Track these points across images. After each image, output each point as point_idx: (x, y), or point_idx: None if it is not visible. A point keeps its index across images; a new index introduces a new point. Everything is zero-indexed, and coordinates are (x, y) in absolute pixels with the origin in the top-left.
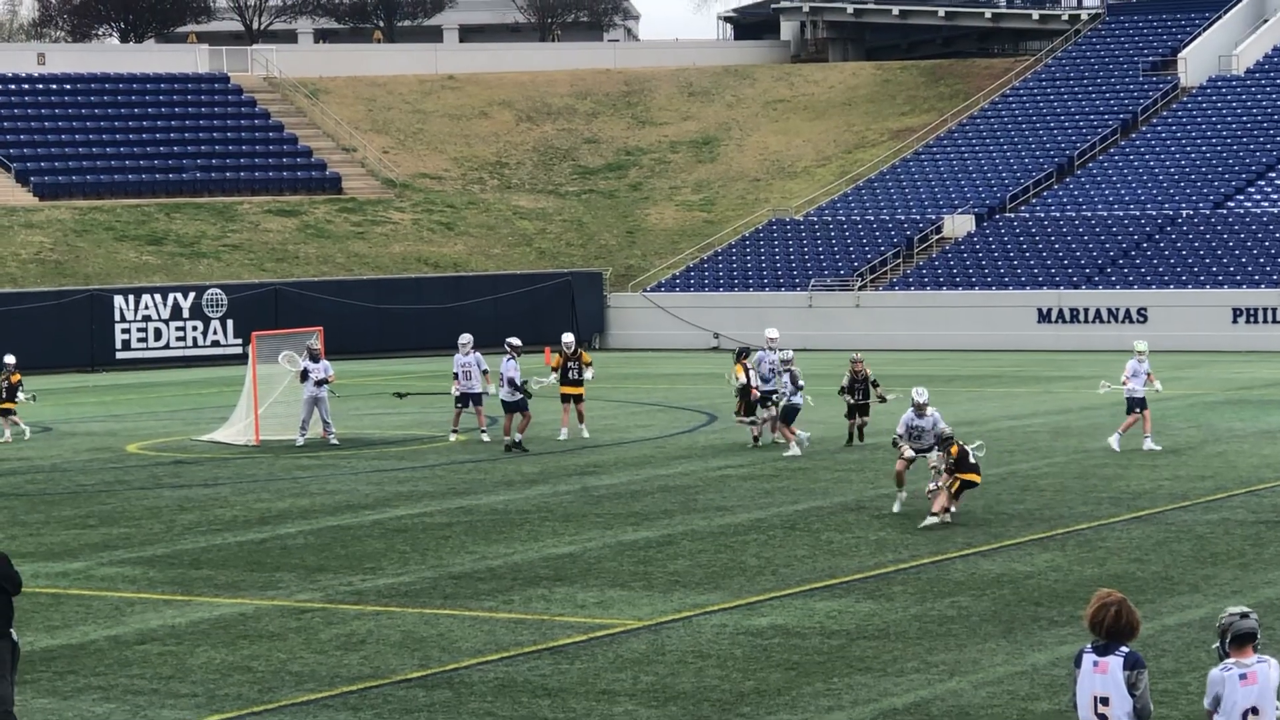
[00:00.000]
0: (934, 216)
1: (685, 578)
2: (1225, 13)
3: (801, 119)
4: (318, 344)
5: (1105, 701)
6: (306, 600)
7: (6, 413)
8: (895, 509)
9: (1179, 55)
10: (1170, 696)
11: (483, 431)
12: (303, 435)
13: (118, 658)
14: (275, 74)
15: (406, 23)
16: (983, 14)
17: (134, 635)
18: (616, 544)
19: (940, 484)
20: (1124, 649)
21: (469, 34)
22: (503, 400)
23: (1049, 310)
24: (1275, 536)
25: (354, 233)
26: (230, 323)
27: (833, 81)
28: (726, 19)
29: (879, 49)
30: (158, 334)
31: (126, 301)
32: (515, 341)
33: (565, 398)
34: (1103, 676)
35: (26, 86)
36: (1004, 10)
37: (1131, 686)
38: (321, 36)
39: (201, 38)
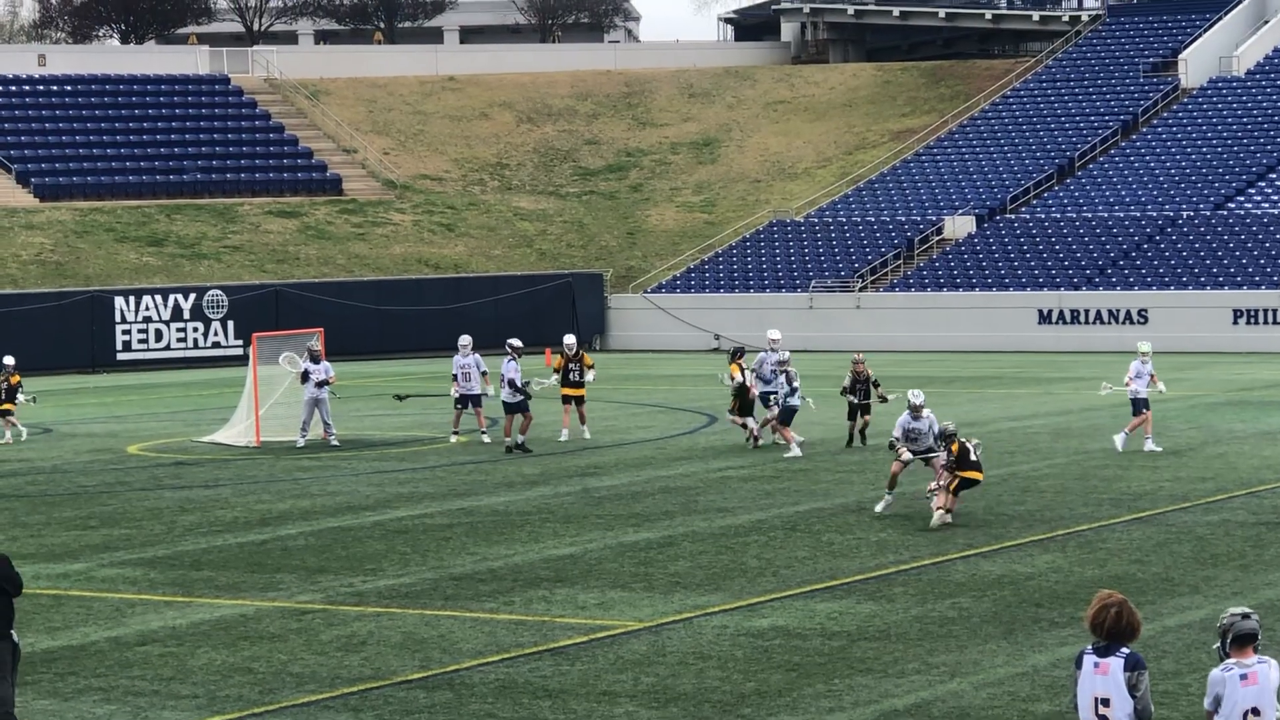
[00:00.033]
0: (935, 218)
1: (686, 579)
2: (1226, 14)
3: (802, 120)
4: (318, 345)
5: (1106, 703)
6: (307, 601)
7: (5, 414)
8: (878, 509)
9: (1179, 56)
10: (1171, 698)
11: (483, 433)
12: (303, 436)
13: (118, 659)
14: (276, 75)
15: (407, 24)
16: (983, 15)
17: (135, 636)
18: (617, 545)
19: (940, 483)
20: (1125, 650)
21: (469, 35)
22: (504, 401)
23: (1049, 311)
24: (1276, 538)
25: (354, 234)
26: (231, 324)
27: (833, 83)
28: (727, 20)
29: (879, 50)
30: (158, 335)
31: (127, 303)
32: (516, 343)
33: (566, 399)
34: (1103, 678)
35: (27, 88)
36: (1004, 11)
37: (1132, 688)
38: (322, 38)
39: (202, 39)
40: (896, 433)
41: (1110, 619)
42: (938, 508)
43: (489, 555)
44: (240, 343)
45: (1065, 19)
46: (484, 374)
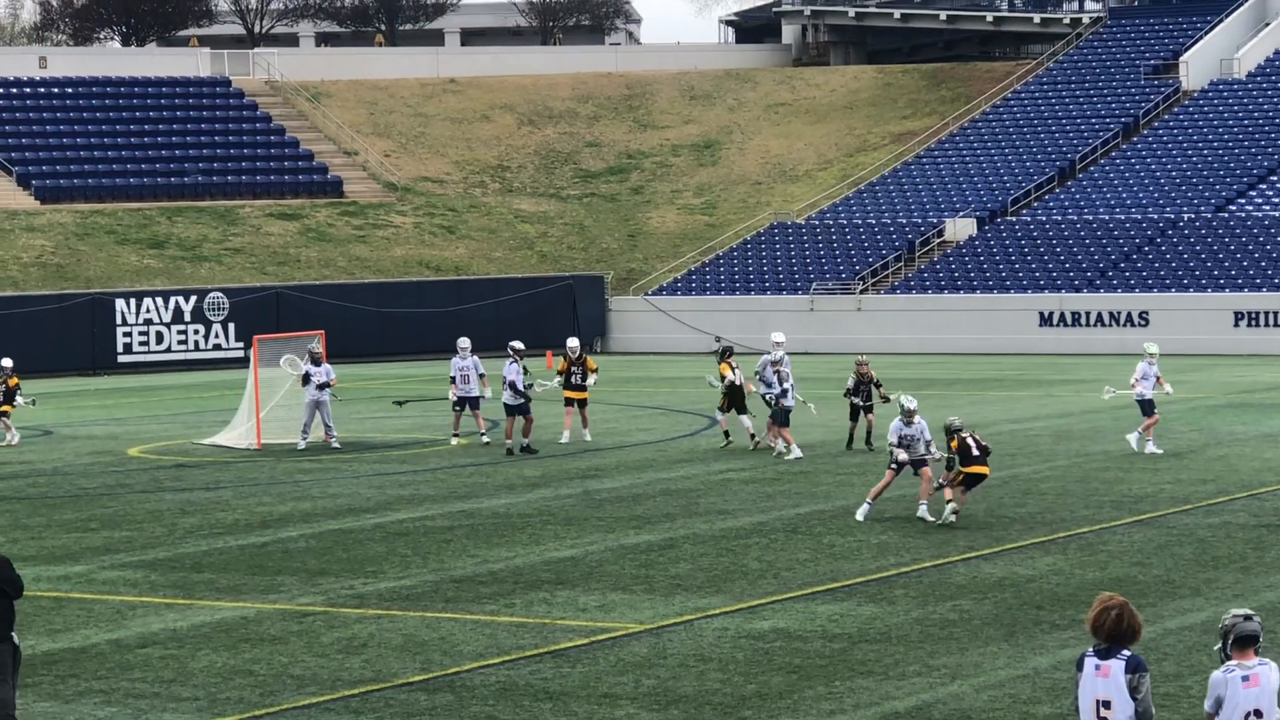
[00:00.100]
0: (935, 220)
1: (687, 581)
2: (1226, 16)
3: (803, 122)
4: (319, 347)
5: (1107, 705)
6: (308, 604)
7: (3, 415)
8: (859, 516)
9: (1180, 59)
10: (1172, 700)
11: (482, 435)
12: (304, 439)
13: (119, 661)
14: (277, 77)
15: (408, 26)
16: (984, 18)
17: (135, 639)
18: (618, 547)
19: (944, 480)
20: (1126, 652)
21: (470, 38)
22: (505, 404)
23: (1050, 314)
24: (1277, 540)
25: (355, 236)
26: (232, 326)
27: (834, 85)
28: (728, 22)
29: (880, 52)
30: (159, 337)
31: (128, 305)
32: (518, 345)
33: (569, 401)
34: (1105, 680)
35: (28, 90)
36: (1005, 14)
37: (1133, 690)
38: (323, 40)
39: (203, 41)
40: (892, 438)
41: (1111, 621)
42: (948, 500)
43: (490, 557)
44: (241, 345)
45: (1066, 21)
46: (481, 376)
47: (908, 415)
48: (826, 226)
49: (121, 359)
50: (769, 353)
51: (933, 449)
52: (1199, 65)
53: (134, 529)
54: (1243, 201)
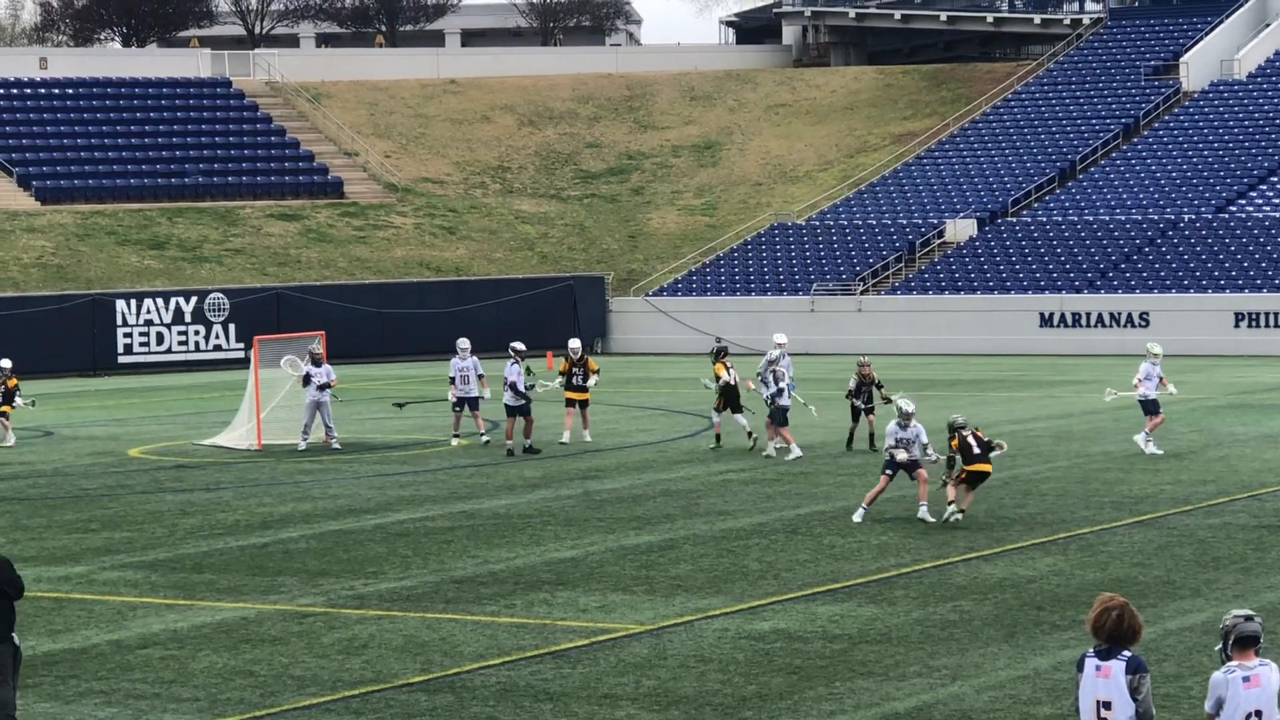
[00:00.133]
0: (936, 221)
1: (687, 582)
2: (1227, 17)
3: (803, 123)
4: (320, 348)
5: (1108, 706)
6: (308, 604)
7: (3, 416)
8: (856, 518)
9: (1181, 60)
10: (1172, 701)
11: (482, 435)
12: (305, 439)
13: (120, 662)
14: (277, 78)
15: (408, 27)
16: (984, 18)
17: (136, 639)
18: (618, 548)
19: (947, 478)
20: (1126, 653)
21: (471, 38)
22: (506, 404)
23: (1051, 315)
24: (1277, 541)
25: (356, 237)
26: (232, 327)
27: (834, 86)
28: (728, 23)
29: (881, 53)
30: (160, 338)
31: (128, 306)
32: (519, 346)
33: (570, 402)
34: (1105, 681)
35: (29, 91)
36: (1006, 15)
37: (1134, 691)
38: (323, 41)
39: (203, 42)
40: (890, 441)
41: (1112, 622)
42: (949, 501)
43: (490, 558)
44: (241, 346)
45: (1067, 22)
46: (480, 377)
47: (905, 418)
48: (827, 227)
49: (122, 360)
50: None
51: (930, 451)
52: (1199, 66)
53: (134, 530)
54: (1243, 202)
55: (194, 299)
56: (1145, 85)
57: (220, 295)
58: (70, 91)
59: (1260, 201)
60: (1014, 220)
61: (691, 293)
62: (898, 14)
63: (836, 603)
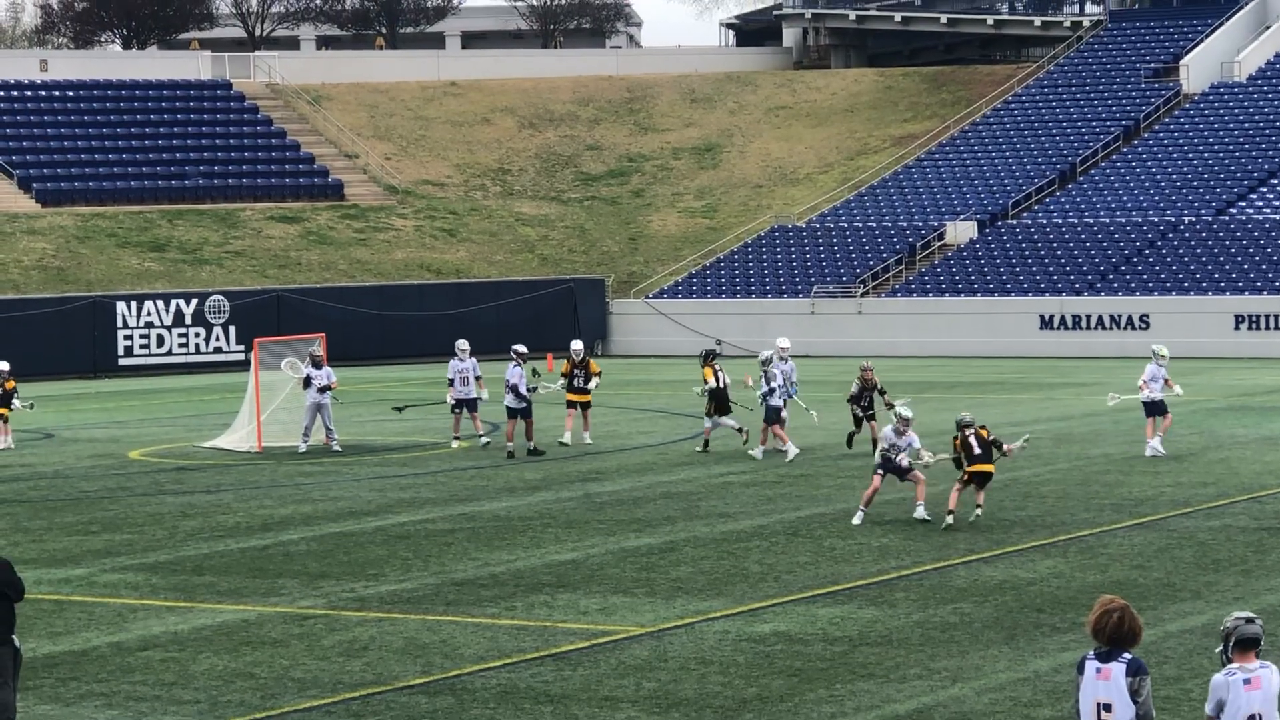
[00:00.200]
0: (936, 223)
1: (688, 584)
2: (1227, 20)
3: (804, 125)
4: (320, 350)
5: (1108, 708)
6: (309, 607)
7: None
8: (855, 521)
9: (1181, 62)
10: (1172, 703)
11: (481, 437)
12: (305, 442)
13: (120, 664)
14: (278, 80)
15: (409, 29)
16: (985, 21)
17: (136, 642)
18: (619, 550)
19: (927, 460)
20: (1126, 655)
21: (471, 41)
22: (507, 406)
23: (1051, 317)
24: (1277, 543)
25: (356, 239)
26: (233, 329)
27: (835, 88)
28: (729, 25)
29: (881, 55)
30: (160, 340)
31: (129, 308)
32: (520, 349)
33: (571, 403)
34: (1105, 683)
35: (29, 93)
36: (1006, 17)
37: (1134, 693)
38: (324, 43)
39: (204, 44)
40: (883, 444)
41: (1112, 624)
42: (949, 510)
43: (491, 560)
44: (242, 348)
45: (1067, 24)
46: (478, 378)
47: (904, 423)
48: (827, 229)
49: (122, 362)
50: (775, 358)
51: (923, 456)
52: (1200, 68)
53: (135, 532)
54: (1243, 204)
55: (194, 301)
56: (1145, 87)
57: (220, 297)
58: (71, 94)
59: (1261, 204)
60: (1014, 222)
61: (692, 295)
62: (898, 16)
63: (837, 605)
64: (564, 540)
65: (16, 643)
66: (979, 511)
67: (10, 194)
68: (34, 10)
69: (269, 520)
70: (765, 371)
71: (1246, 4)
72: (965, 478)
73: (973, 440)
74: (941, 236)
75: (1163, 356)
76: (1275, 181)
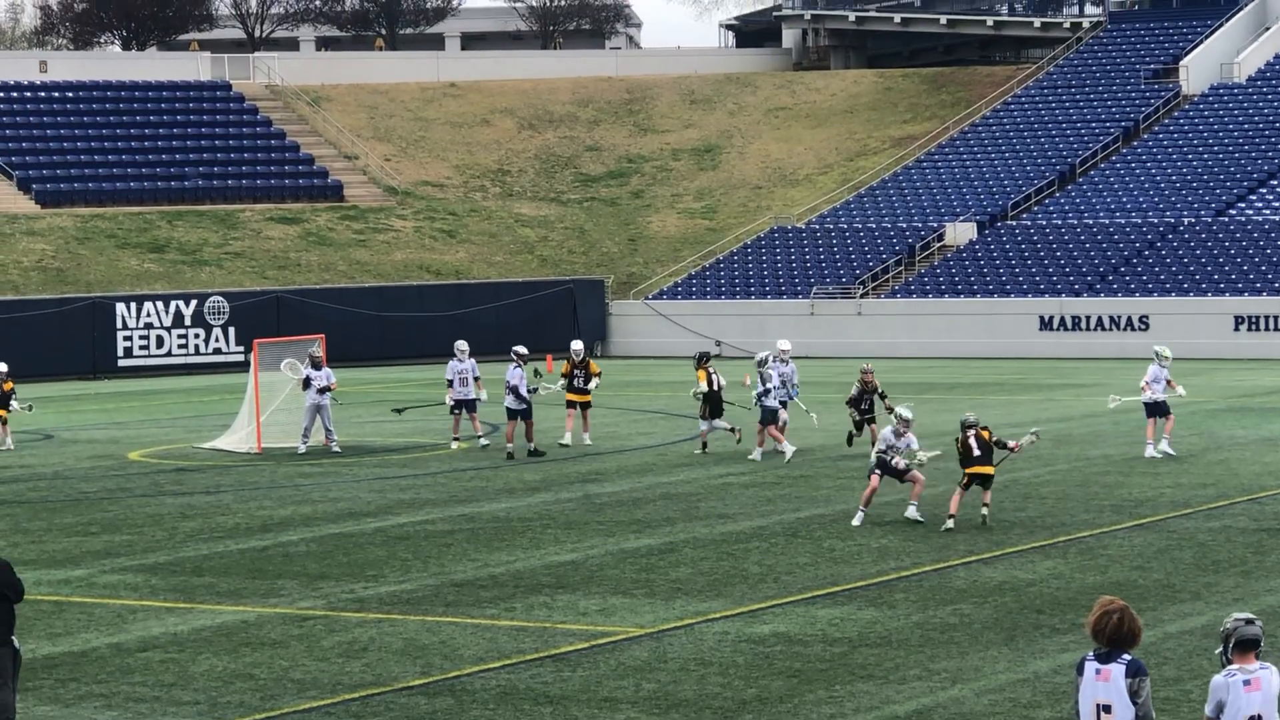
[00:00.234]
0: (936, 224)
1: (687, 585)
2: (1227, 21)
3: (803, 127)
4: (320, 351)
5: (1108, 709)
6: (308, 608)
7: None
8: (855, 522)
9: (1181, 63)
10: (1172, 704)
11: (480, 438)
12: (305, 443)
13: (120, 665)
14: (277, 82)
15: (408, 30)
16: (984, 22)
17: (136, 643)
18: (618, 551)
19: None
20: (1126, 656)
21: (471, 42)
22: (507, 407)
23: (1051, 318)
24: (1277, 544)
25: (356, 240)
26: (232, 330)
27: (834, 89)
28: (728, 27)
29: (881, 57)
30: (160, 341)
31: (128, 309)
32: (521, 350)
33: (571, 404)
34: (1105, 684)
35: (29, 94)
36: (1006, 18)
37: (1134, 694)
38: (323, 44)
39: (204, 45)
40: (880, 445)
41: (1112, 625)
42: (949, 515)
43: (490, 561)
44: (241, 349)
45: (1066, 26)
46: (476, 379)
47: (904, 424)
48: (827, 231)
49: (122, 363)
50: (776, 361)
51: (919, 457)
52: (1199, 69)
53: (134, 533)
54: (1243, 206)
55: (194, 302)
56: (1145, 88)
57: (220, 298)
58: (70, 95)
59: (1260, 205)
60: (1014, 223)
61: (691, 296)
62: (897, 17)
63: (836, 606)
64: (563, 541)
65: (16, 644)
66: (985, 512)
67: (10, 195)
68: (34, 11)
69: (268, 521)
70: (761, 373)
71: (1246, 5)
72: (965, 480)
73: (973, 442)
74: (941, 237)
75: (1165, 358)
76: (1275, 182)
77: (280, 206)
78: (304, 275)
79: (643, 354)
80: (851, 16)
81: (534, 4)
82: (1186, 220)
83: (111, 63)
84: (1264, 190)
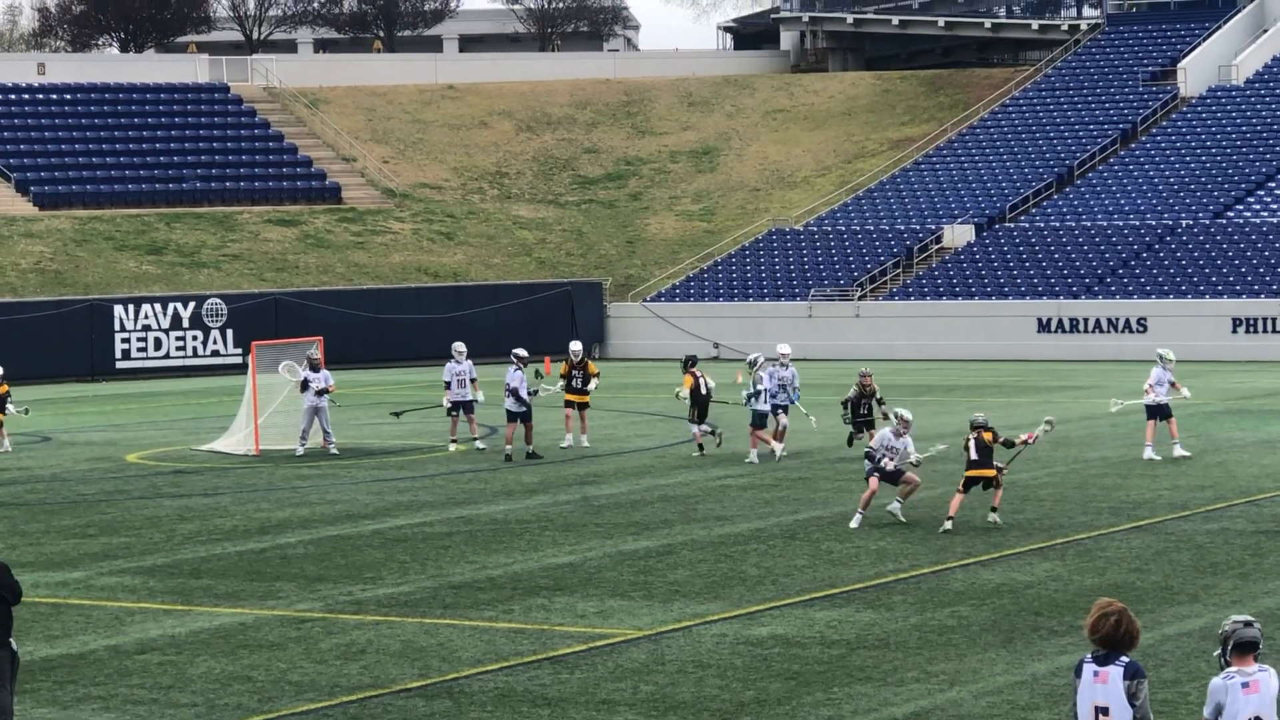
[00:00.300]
0: (934, 226)
1: (685, 587)
2: (1225, 23)
3: (801, 129)
4: (318, 354)
5: (1105, 711)
6: (306, 610)
7: None
8: (853, 524)
9: (1178, 65)
10: (1170, 706)
11: (476, 440)
12: (303, 445)
13: (117, 667)
14: (275, 84)
15: (406, 33)
16: (982, 24)
17: (134, 645)
18: (616, 553)
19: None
20: (1124, 659)
21: (469, 44)
22: (507, 410)
23: (1049, 320)
24: (1275, 546)
25: (354, 242)
26: (230, 332)
27: (832, 91)
28: (726, 29)
29: (878, 59)
30: (158, 344)
31: (126, 311)
32: (521, 352)
33: (569, 404)
34: (1103, 686)
35: (26, 96)
36: (1003, 20)
37: (1131, 696)
38: (321, 46)
39: (201, 48)
40: (876, 444)
41: (1109, 627)
42: (949, 517)
43: (488, 564)
44: (239, 351)
45: (1064, 28)
46: (473, 381)
47: (904, 424)
48: (825, 233)
49: (120, 365)
50: (775, 364)
51: (912, 454)
52: (1197, 71)
53: (132, 535)
54: (1241, 208)
55: (192, 304)
56: (1143, 91)
57: (218, 301)
58: (68, 97)
59: (1258, 207)
60: (1012, 226)
61: (689, 298)
62: (895, 20)
63: (834, 608)
64: (561, 543)
65: (14, 645)
66: (992, 517)
67: (8, 197)
68: (31, 13)
69: (266, 523)
70: (753, 375)
71: (1244, 7)
72: (963, 483)
73: (972, 444)
74: (939, 239)
75: (1169, 360)
76: (1273, 184)
77: (278, 209)
78: (302, 277)
79: (640, 356)
80: (849, 19)
81: (532, 6)
82: (1185, 222)
83: (109, 65)
84: (1262, 192)
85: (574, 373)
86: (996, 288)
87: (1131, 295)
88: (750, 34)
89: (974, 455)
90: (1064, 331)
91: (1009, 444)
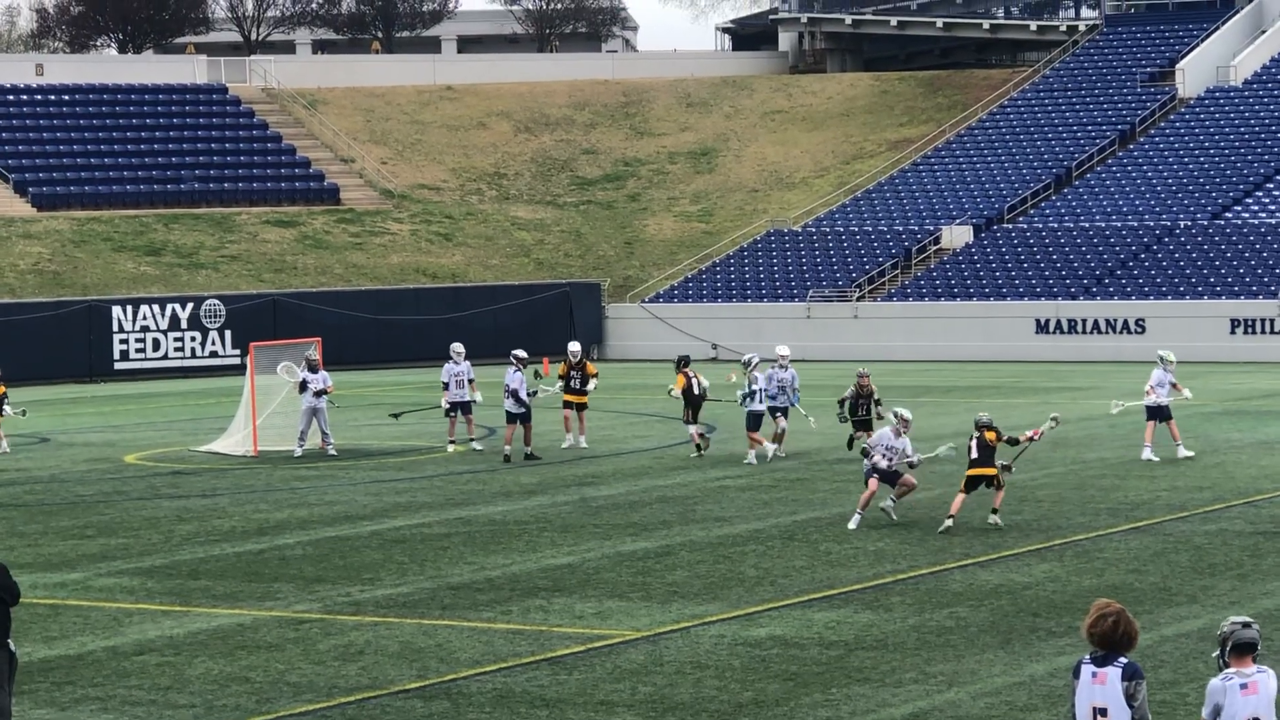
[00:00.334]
0: (932, 227)
1: (683, 588)
2: (1223, 24)
3: (799, 130)
4: (316, 355)
5: (1104, 712)
6: (304, 611)
7: None
8: (851, 525)
9: (1177, 66)
10: (1168, 707)
11: (473, 441)
12: (301, 446)
13: (116, 668)
14: (273, 85)
15: (405, 34)
16: (981, 25)
17: (132, 646)
18: (615, 555)
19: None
20: (1122, 660)
21: (467, 45)
22: (506, 411)
23: (1047, 321)
24: (1273, 547)
25: (352, 243)
26: (228, 333)
27: (831, 92)
28: (724, 30)
29: (877, 60)
30: (156, 345)
31: (124, 312)
32: (520, 353)
33: (568, 405)
34: (1101, 687)
35: (25, 97)
36: (1002, 21)
37: (1130, 697)
38: (320, 47)
39: (200, 49)
40: (875, 442)
41: (1108, 628)
42: (949, 516)
43: (486, 565)
44: (238, 352)
45: (1063, 29)
46: (470, 381)
47: (904, 424)
48: (823, 234)
49: (118, 366)
50: (775, 366)
51: (912, 459)
52: (1195, 72)
53: (130, 536)
54: (1239, 209)
55: (190, 305)
56: (1141, 92)
57: (216, 302)
58: (66, 98)
59: (1256, 208)
60: (1010, 227)
61: (688, 299)
62: (894, 21)
63: (833, 609)
64: (560, 544)
65: (12, 647)
66: (993, 519)
67: (6, 198)
68: (29, 14)
69: (264, 524)
70: (749, 376)
71: (1242, 8)
72: (964, 482)
73: (973, 444)
74: (937, 241)
75: (1170, 361)
76: (1271, 186)
77: (276, 209)
78: (300, 278)
79: (639, 357)
80: (848, 20)
81: (530, 7)
82: (1183, 223)
83: (107, 66)
84: (1260, 193)
85: (573, 373)
86: (995, 289)
87: (1130, 296)
88: (748, 35)
89: (974, 454)
90: (1062, 332)
91: (1014, 441)
